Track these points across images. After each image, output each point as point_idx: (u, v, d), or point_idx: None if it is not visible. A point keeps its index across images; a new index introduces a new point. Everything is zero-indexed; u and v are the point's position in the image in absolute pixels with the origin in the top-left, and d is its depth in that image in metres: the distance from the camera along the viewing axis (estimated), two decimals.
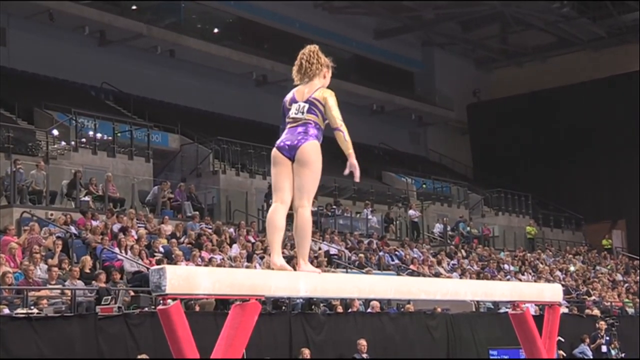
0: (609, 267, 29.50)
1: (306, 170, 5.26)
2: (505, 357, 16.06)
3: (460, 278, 19.64)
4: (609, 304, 22.80)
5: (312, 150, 5.26)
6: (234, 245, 17.55)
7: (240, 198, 22.72)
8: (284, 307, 14.45)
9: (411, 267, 20.62)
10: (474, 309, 18.34)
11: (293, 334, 13.75)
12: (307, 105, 5.34)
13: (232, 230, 19.03)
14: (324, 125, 5.35)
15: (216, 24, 32.24)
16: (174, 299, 4.44)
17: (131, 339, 11.59)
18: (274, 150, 5.33)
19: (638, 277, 27.69)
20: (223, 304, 12.77)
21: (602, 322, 18.97)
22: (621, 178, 35.25)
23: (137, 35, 27.63)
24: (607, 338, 18.76)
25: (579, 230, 35.74)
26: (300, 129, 5.30)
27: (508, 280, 21.30)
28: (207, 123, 27.98)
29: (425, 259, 22.04)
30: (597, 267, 28.84)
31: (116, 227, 16.14)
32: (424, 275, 19.19)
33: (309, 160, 5.25)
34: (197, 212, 19.69)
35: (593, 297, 23.16)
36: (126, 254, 14.62)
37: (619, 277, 27.98)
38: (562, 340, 15.54)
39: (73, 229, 15.52)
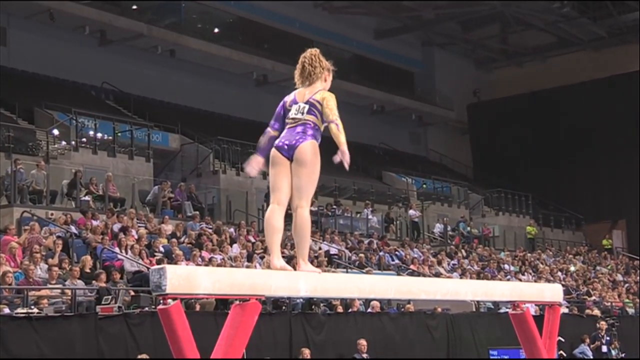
0: (609, 267, 29.50)
1: (304, 170, 5.27)
2: (505, 357, 16.06)
3: (461, 278, 19.64)
4: (609, 304, 22.80)
5: (310, 149, 5.27)
6: (234, 245, 17.56)
7: (241, 198, 22.73)
8: (284, 307, 14.46)
9: (411, 267, 20.62)
10: (474, 309, 18.34)
11: (293, 334, 13.75)
12: (307, 107, 5.37)
13: (232, 230, 19.04)
14: (322, 127, 5.37)
15: (216, 24, 32.24)
16: (174, 299, 4.44)
17: (131, 338, 11.59)
18: (273, 150, 5.35)
19: (638, 277, 27.69)
20: (223, 303, 12.77)
21: (603, 322, 18.98)
22: (621, 178, 35.24)
23: (138, 35, 27.63)
24: (608, 338, 18.76)
25: (579, 230, 35.74)
26: (299, 129, 5.33)
27: (508, 280, 21.30)
28: (208, 123, 27.99)
29: (426, 259, 22.04)
30: (598, 267, 28.84)
31: (116, 227, 16.15)
32: (424, 275, 19.20)
33: (307, 159, 5.26)
34: (198, 212, 19.70)
35: (593, 297, 23.17)
36: (126, 253, 14.62)
37: (619, 277, 27.99)
38: (562, 340, 15.54)
39: (73, 229, 15.52)
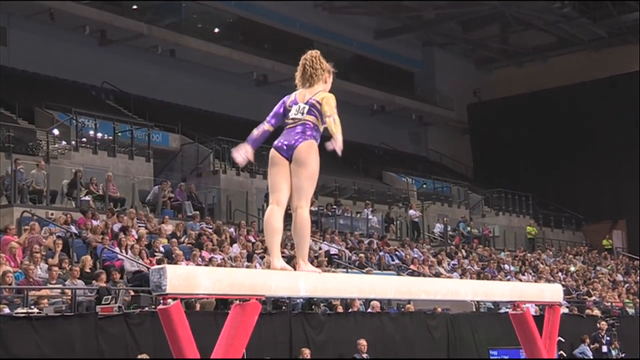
0: (609, 267, 29.50)
1: (303, 170, 5.27)
2: (505, 357, 16.06)
3: (461, 278, 19.64)
4: (609, 304, 22.80)
5: (309, 149, 5.27)
6: (235, 245, 17.56)
7: (241, 198, 22.73)
8: (284, 307, 14.45)
9: (411, 267, 20.62)
10: (474, 309, 18.35)
11: (293, 334, 13.75)
12: (307, 107, 5.37)
13: (232, 230, 19.04)
14: (322, 127, 5.37)
15: (216, 24, 32.25)
16: (174, 299, 4.44)
17: (131, 338, 11.59)
18: (272, 151, 5.35)
19: (638, 278, 27.69)
20: (223, 303, 12.77)
21: (603, 323, 18.98)
22: (621, 178, 35.24)
23: (138, 35, 27.64)
24: (608, 338, 18.76)
25: (580, 231, 35.74)
26: (298, 129, 5.33)
27: (508, 280, 21.30)
28: (208, 123, 27.99)
29: (426, 259, 22.04)
30: (598, 268, 28.84)
31: (116, 227, 16.15)
32: (424, 275, 19.20)
33: (306, 159, 5.26)
34: (198, 212, 19.70)
35: (593, 298, 23.17)
36: (126, 253, 14.62)
37: (619, 277, 27.99)
38: (563, 340, 15.54)
39: (73, 229, 15.52)
